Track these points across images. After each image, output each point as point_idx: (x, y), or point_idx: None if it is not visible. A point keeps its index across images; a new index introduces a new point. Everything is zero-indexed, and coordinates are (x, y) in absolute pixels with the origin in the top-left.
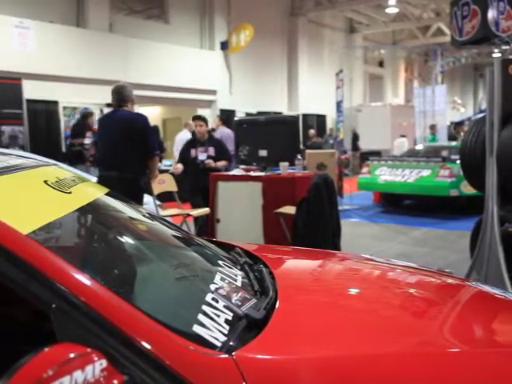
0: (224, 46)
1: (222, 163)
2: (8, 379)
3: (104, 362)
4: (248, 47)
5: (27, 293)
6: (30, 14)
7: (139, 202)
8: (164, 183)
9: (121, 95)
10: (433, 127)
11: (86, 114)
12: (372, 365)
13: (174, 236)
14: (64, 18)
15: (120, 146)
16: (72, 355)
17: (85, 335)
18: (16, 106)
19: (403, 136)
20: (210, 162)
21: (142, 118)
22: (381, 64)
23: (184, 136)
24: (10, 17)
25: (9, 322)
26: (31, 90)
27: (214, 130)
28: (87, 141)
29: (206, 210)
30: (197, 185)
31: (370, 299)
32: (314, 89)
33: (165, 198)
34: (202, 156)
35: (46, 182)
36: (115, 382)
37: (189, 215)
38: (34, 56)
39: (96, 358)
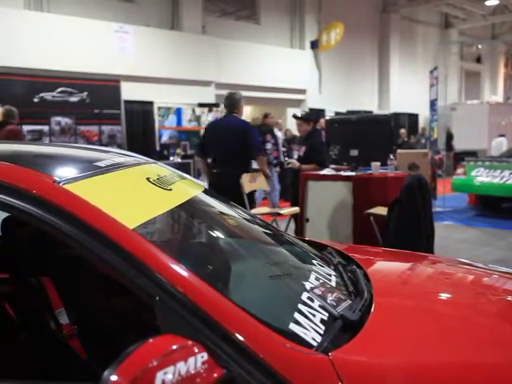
0: (314, 45)
1: (308, 167)
2: (116, 367)
3: (205, 355)
4: (338, 46)
5: (133, 285)
6: (128, 19)
7: (242, 197)
8: (255, 182)
9: (232, 101)
10: None
11: (266, 114)
12: (465, 375)
13: (269, 234)
14: (160, 22)
15: (228, 147)
16: (175, 347)
17: (186, 328)
18: (114, 107)
19: (502, 135)
20: (294, 163)
21: (246, 124)
22: (478, 60)
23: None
24: (110, 22)
25: (112, 312)
26: (128, 92)
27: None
28: (268, 146)
29: (295, 209)
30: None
31: (466, 305)
32: (406, 87)
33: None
34: (295, 155)
35: (148, 179)
36: (215, 375)
37: (279, 214)
38: (131, 59)
39: (197, 351)
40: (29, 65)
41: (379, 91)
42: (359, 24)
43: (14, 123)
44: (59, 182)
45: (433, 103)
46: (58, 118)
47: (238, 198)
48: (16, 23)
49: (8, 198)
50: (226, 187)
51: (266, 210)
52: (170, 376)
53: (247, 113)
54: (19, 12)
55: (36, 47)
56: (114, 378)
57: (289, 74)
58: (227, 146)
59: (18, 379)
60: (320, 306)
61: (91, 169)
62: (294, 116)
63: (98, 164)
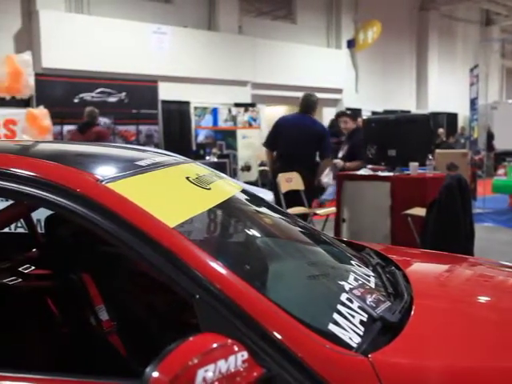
0: (351, 44)
1: (352, 164)
2: (158, 364)
3: (245, 354)
4: (375, 44)
5: (173, 283)
6: (166, 20)
7: (313, 193)
8: (291, 182)
9: (310, 103)
10: None
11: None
12: (506, 380)
13: (307, 234)
14: (197, 22)
15: (301, 145)
16: (215, 345)
17: (226, 327)
18: (152, 107)
19: None
20: (338, 162)
21: (322, 126)
22: None
23: None
24: (148, 23)
25: (150, 309)
26: (166, 92)
27: None
28: None
29: (332, 210)
30: None
31: (508, 309)
32: (445, 86)
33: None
34: (340, 153)
35: (187, 178)
36: (255, 374)
37: (315, 214)
38: (168, 59)
39: (237, 349)
40: (69, 66)
41: (417, 90)
42: (396, 22)
43: (99, 124)
44: (102, 181)
45: (473, 102)
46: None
47: (304, 194)
48: (57, 25)
49: (53, 197)
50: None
51: (302, 209)
52: (210, 374)
53: (284, 112)
54: (61, 14)
55: (76, 48)
56: (155, 374)
57: (325, 73)
58: (299, 145)
59: (58, 372)
60: (359, 307)
61: (132, 168)
62: (342, 113)
63: (139, 163)
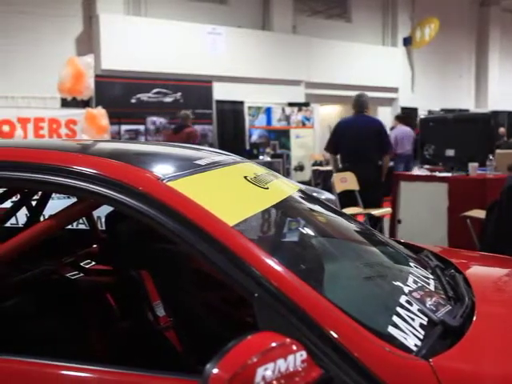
0: (407, 41)
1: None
2: (217, 361)
3: (304, 354)
4: (432, 42)
5: (232, 281)
6: (221, 21)
7: (378, 189)
8: (346, 181)
9: (362, 103)
10: None
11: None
12: None
13: (365, 235)
14: (251, 23)
15: (363, 144)
16: (274, 344)
17: (284, 326)
18: (206, 107)
19: None
20: None
21: (379, 122)
22: None
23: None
24: (203, 24)
25: (206, 307)
26: (220, 91)
27: (392, 128)
28: None
29: (387, 210)
30: None
31: None
32: (506, 84)
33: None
34: None
35: (245, 177)
36: (313, 374)
37: (371, 215)
38: (223, 59)
39: (296, 349)
40: (127, 67)
41: (476, 89)
42: (455, 19)
43: (190, 125)
44: (163, 179)
45: None
46: (154, 118)
47: (371, 192)
48: (116, 28)
49: (116, 194)
50: (361, 183)
51: (356, 210)
52: (269, 373)
53: (338, 112)
54: (120, 17)
55: (134, 50)
56: (215, 371)
57: (380, 72)
58: (361, 144)
59: (116, 366)
60: (419, 310)
61: (192, 167)
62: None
63: (198, 162)
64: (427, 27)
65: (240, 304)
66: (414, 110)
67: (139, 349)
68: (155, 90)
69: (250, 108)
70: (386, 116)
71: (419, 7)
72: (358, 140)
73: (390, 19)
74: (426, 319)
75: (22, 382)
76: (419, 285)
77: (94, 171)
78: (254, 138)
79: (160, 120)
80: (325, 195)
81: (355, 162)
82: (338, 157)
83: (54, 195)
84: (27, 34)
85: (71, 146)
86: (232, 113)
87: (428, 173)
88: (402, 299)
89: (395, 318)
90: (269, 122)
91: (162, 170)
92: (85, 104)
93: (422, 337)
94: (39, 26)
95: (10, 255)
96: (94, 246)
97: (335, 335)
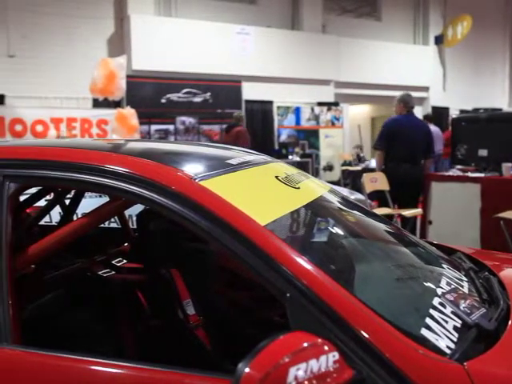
0: (438, 40)
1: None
2: (250, 361)
3: (336, 355)
4: (464, 40)
5: (264, 281)
6: (250, 21)
7: (419, 190)
8: (376, 182)
9: (410, 103)
10: None
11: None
12: None
13: (396, 235)
14: (280, 22)
15: (414, 145)
16: (306, 344)
17: (316, 326)
18: (236, 107)
19: None
20: None
21: (427, 124)
22: None
23: None
24: (232, 24)
25: (236, 306)
26: (249, 91)
27: None
28: None
29: (418, 211)
30: None
31: None
32: None
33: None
34: None
35: (276, 177)
36: (345, 375)
37: (401, 215)
38: (252, 59)
39: (328, 349)
40: (157, 68)
41: (510, 87)
42: (488, 16)
43: (241, 125)
44: (195, 179)
45: None
46: (183, 118)
47: (412, 193)
48: (147, 29)
49: (149, 193)
50: (405, 182)
51: (386, 210)
52: (302, 373)
53: (368, 111)
54: (150, 18)
55: (164, 50)
56: (247, 370)
57: (411, 70)
58: (413, 145)
59: (150, 363)
60: (452, 313)
61: (223, 166)
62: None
63: (230, 162)
64: (459, 25)
65: (268, 303)
66: (446, 110)
67: (169, 346)
68: (185, 90)
69: (278, 108)
70: (416, 115)
71: (451, 4)
72: (411, 141)
73: (421, 17)
74: (460, 322)
75: (59, 377)
76: (452, 287)
77: (129, 170)
78: (283, 137)
79: (189, 120)
80: (355, 195)
81: (403, 162)
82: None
83: (85, 194)
84: (60, 35)
85: (105, 146)
86: (261, 112)
87: (460, 173)
88: (435, 301)
89: (428, 320)
90: (298, 121)
91: (194, 169)
92: (116, 104)
93: (455, 340)
94: (72, 28)
95: (47, 253)
96: (126, 244)
97: (368, 337)
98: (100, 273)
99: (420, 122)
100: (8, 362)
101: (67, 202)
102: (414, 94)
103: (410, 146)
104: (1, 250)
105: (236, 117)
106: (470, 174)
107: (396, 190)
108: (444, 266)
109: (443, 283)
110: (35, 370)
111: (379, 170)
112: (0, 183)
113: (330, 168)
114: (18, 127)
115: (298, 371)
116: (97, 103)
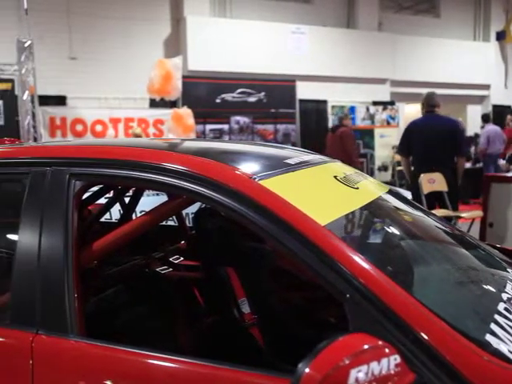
0: (500, 36)
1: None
2: (310, 362)
3: (397, 358)
4: None
5: (324, 282)
6: (305, 20)
7: (455, 194)
8: (434, 183)
9: (429, 101)
10: None
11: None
12: None
13: (457, 238)
14: (335, 21)
15: (435, 146)
16: (366, 346)
17: (376, 328)
18: (290, 106)
19: None
20: (503, 165)
21: (455, 122)
22: None
23: None
24: (287, 24)
25: (291, 305)
26: (303, 91)
27: (482, 126)
28: None
29: (478, 213)
30: None
31: None
32: None
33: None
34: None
35: (335, 177)
36: (407, 379)
37: (459, 217)
38: (307, 59)
39: (389, 352)
40: (212, 68)
41: None
42: None
43: (346, 125)
44: (255, 178)
45: None
46: (237, 118)
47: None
48: (202, 29)
49: (209, 192)
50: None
51: (446, 212)
52: (362, 375)
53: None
54: (206, 19)
55: (219, 51)
56: (307, 371)
57: (470, 68)
58: (434, 145)
59: (209, 360)
60: None
61: (282, 166)
62: None
63: (288, 161)
64: None
65: (322, 304)
66: (507, 108)
67: (224, 344)
68: (239, 90)
69: (333, 107)
70: (475, 114)
71: None
72: (430, 142)
73: (481, 13)
74: None
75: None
76: None
77: (189, 169)
78: None
79: (244, 119)
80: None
81: (427, 166)
82: (411, 159)
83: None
84: (118, 37)
85: (166, 145)
86: (315, 112)
87: None
88: (501, 306)
89: (493, 326)
90: (353, 121)
91: (253, 168)
92: (172, 104)
93: None
94: (129, 30)
95: (110, 249)
96: (182, 242)
97: (430, 341)
98: (157, 269)
99: (445, 120)
100: (74, 352)
101: (126, 199)
102: (474, 93)
103: (431, 149)
104: (68, 246)
105: (341, 116)
106: None
107: (428, 195)
108: (509, 270)
109: (508, 288)
110: (98, 361)
111: (407, 175)
112: (66, 181)
113: (384, 168)
114: (79, 127)
115: (359, 373)
116: (154, 103)
